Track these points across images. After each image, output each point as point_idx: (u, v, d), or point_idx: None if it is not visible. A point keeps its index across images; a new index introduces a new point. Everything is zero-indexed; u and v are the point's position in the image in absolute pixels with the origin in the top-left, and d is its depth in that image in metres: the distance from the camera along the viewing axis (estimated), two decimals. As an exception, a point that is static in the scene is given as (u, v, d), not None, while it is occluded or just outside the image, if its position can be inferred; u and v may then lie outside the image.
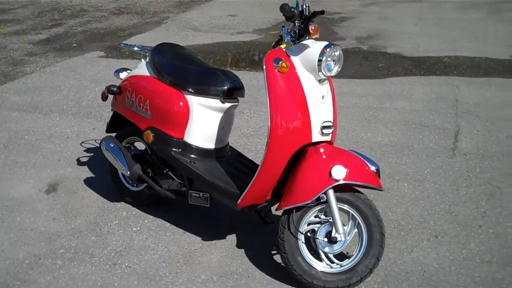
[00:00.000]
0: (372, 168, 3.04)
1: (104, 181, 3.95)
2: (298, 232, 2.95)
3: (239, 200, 3.05)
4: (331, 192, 2.88)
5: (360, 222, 2.95)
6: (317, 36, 2.90)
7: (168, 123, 3.30)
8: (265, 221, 3.48)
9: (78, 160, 4.39)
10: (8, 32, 8.47)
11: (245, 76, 6.21)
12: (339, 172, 2.84)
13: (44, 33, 8.53)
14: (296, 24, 2.91)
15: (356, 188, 3.00)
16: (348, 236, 2.99)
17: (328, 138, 2.98)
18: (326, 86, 2.99)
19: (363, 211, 2.95)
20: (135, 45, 3.82)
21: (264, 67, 2.90)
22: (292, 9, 2.88)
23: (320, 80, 2.95)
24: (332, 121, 2.98)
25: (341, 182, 2.86)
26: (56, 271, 3.15)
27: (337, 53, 2.92)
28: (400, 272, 3.13)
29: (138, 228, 3.54)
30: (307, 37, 2.95)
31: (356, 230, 3.00)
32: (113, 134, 3.74)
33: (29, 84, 6.16)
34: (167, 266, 3.19)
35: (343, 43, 7.87)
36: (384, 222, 3.38)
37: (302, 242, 2.99)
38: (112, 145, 3.59)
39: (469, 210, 3.76)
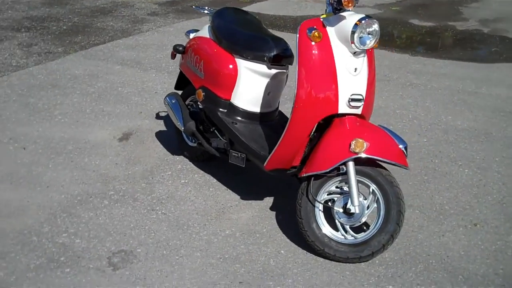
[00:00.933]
0: (400, 146, 3.00)
1: (172, 135, 4.19)
2: (315, 200, 3.00)
3: (265, 163, 3.17)
4: (351, 164, 2.91)
5: (379, 197, 2.96)
6: (352, 7, 2.88)
7: (217, 84, 3.46)
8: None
9: (157, 114, 4.68)
10: (141, -9, 9.00)
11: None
12: (358, 145, 2.86)
13: (173, -6, 8.96)
14: None
15: (380, 163, 2.97)
16: (367, 210, 2.98)
17: (357, 111, 2.99)
18: (362, 59, 2.99)
19: (383, 187, 2.94)
20: (206, 8, 3.99)
21: (298, 35, 2.95)
22: None
23: (355, 53, 2.95)
24: (363, 94, 2.98)
25: (360, 155, 2.87)
26: (100, 209, 3.44)
27: (372, 27, 2.90)
28: (421, 253, 3.10)
29: (186, 181, 3.76)
30: (347, 9, 2.94)
31: (375, 205, 2.99)
32: (180, 92, 3.95)
33: (140, 41, 6.58)
34: (199, 217, 3.37)
35: (465, 24, 7.55)
36: (428, 204, 3.42)
37: (320, 210, 3.04)
38: (174, 101, 3.83)
39: (524, 203, 3.51)
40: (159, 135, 4.31)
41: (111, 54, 6.08)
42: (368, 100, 3.03)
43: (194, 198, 3.57)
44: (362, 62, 2.98)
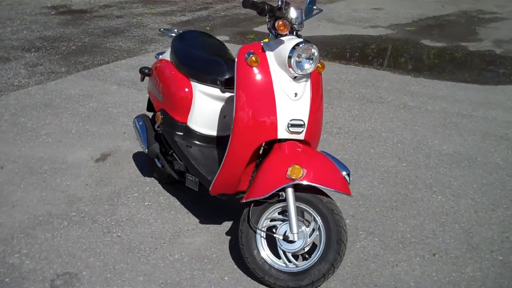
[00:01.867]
0: (343, 173, 2.94)
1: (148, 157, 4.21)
2: (256, 227, 2.99)
3: (210, 187, 3.15)
4: (289, 191, 2.87)
5: (320, 225, 2.90)
6: (286, 32, 2.86)
7: (174, 107, 3.48)
8: None
9: (140, 135, 4.70)
10: (157, 12, 9.16)
11: (345, 70, 6.19)
12: (295, 171, 2.82)
13: (188, 15, 9.08)
14: (267, 19, 2.90)
15: (323, 191, 2.93)
16: (310, 237, 2.93)
17: (299, 137, 2.95)
18: (304, 83, 2.95)
19: (324, 215, 2.89)
20: (174, 30, 4.02)
21: (236, 59, 2.94)
22: (259, 4, 2.85)
23: (295, 77, 2.91)
24: (304, 120, 2.93)
25: (297, 182, 2.82)
26: (58, 230, 3.48)
27: (310, 52, 2.86)
28: (368, 284, 3.02)
29: (149, 203, 3.77)
30: (288, 33, 2.92)
31: (318, 233, 2.93)
32: (151, 114, 3.98)
33: (143, 61, 6.67)
34: (152, 241, 3.37)
35: (478, 44, 7.41)
36: (389, 232, 3.41)
37: (262, 237, 3.00)
38: (141, 123, 3.86)
39: (492, 233, 3.50)
40: (136, 156, 4.34)
41: (111, 74, 6.17)
42: (312, 125, 2.98)
43: (153, 221, 3.57)
44: (303, 87, 2.93)
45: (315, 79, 3.00)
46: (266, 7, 2.84)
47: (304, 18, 3.05)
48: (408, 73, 6.40)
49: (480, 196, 3.85)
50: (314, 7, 3.21)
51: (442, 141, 4.66)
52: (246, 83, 2.90)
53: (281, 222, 2.99)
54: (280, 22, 2.82)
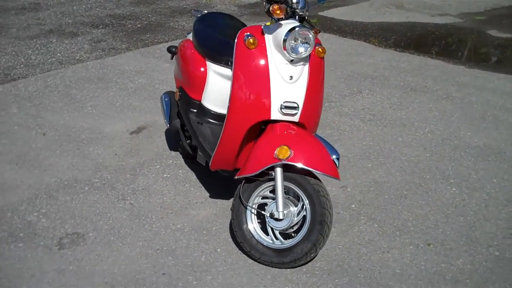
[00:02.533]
0: (333, 156, 3.03)
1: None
2: (246, 203, 3.11)
3: (210, 163, 3.32)
4: (278, 170, 2.98)
5: (306, 206, 3.00)
6: (282, 16, 2.96)
7: (190, 85, 3.66)
8: None
9: (178, 111, 4.94)
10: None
11: (398, 58, 6.17)
12: (282, 152, 2.93)
13: (258, -3, 9.19)
14: (264, 3, 3.01)
15: (312, 173, 3.01)
16: (296, 217, 3.04)
17: (293, 119, 3.06)
18: (301, 67, 3.04)
19: (310, 195, 2.99)
20: (204, 11, 4.19)
21: (236, 41, 3.08)
22: None
23: (292, 61, 3.01)
24: (298, 102, 3.03)
25: (283, 162, 2.94)
26: (77, 194, 3.76)
27: (306, 36, 2.96)
28: (354, 267, 3.11)
29: (168, 176, 3.99)
30: (290, 17, 3.03)
31: (305, 213, 3.05)
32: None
33: None
34: (161, 211, 3.59)
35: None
36: (390, 219, 3.47)
37: (252, 213, 3.14)
38: (166, 99, 4.08)
39: (496, 228, 3.48)
40: (169, 131, 4.55)
41: (167, 52, 6.39)
42: (308, 108, 3.07)
43: (167, 192, 3.77)
44: (300, 71, 3.02)
45: (315, 63, 3.07)
46: None
47: (316, 2, 3.22)
48: (462, 63, 6.27)
49: (496, 191, 3.81)
50: None
51: (475, 133, 4.60)
52: (243, 64, 3.03)
53: (271, 200, 3.09)
54: (275, 6, 2.91)
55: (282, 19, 2.99)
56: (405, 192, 3.80)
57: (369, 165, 4.11)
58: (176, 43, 6.35)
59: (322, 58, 3.15)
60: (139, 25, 7.46)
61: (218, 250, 3.24)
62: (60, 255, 3.15)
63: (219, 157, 3.22)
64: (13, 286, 2.97)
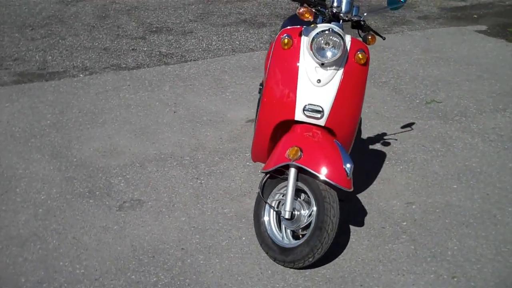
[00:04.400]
0: (346, 165, 3.07)
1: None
2: (262, 197, 3.24)
3: (251, 154, 3.56)
4: (292, 170, 3.11)
5: (313, 209, 3.10)
6: (310, 18, 3.05)
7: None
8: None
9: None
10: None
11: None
12: (293, 153, 3.07)
13: (468, 0, 8.83)
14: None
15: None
16: (307, 219, 3.15)
17: (318, 122, 3.13)
18: (332, 72, 3.09)
19: (318, 200, 3.07)
20: None
21: (275, 39, 3.28)
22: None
23: (323, 64, 3.12)
24: (323, 106, 3.10)
25: (292, 162, 3.08)
26: (163, 167, 4.25)
27: (331, 39, 3.04)
28: (356, 282, 3.10)
29: (248, 164, 4.28)
30: (333, 21, 3.13)
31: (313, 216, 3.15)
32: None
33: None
34: (220, 194, 3.90)
35: None
36: (433, 245, 3.39)
37: (271, 207, 3.30)
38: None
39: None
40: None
41: None
42: (336, 114, 3.11)
43: (237, 179, 4.07)
44: (330, 75, 3.07)
45: (351, 69, 3.09)
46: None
47: (387, 6, 3.30)
48: None
49: None
50: None
51: None
52: (276, 63, 3.18)
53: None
54: (302, 9, 3.01)
55: (317, 21, 3.04)
56: (471, 220, 3.56)
57: (455, 186, 3.90)
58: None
59: (363, 64, 3.10)
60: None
61: (243, 238, 3.42)
62: (114, 216, 3.61)
63: (255, 150, 3.39)
64: (63, 232, 3.52)
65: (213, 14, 8.00)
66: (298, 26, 3.18)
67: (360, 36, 3.25)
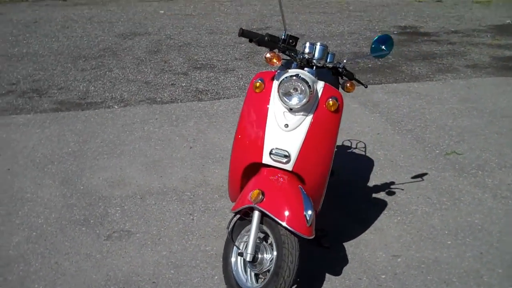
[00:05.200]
0: (309, 212, 3.08)
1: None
2: (230, 238, 3.26)
3: (228, 194, 3.62)
4: (256, 213, 3.13)
5: (274, 253, 3.11)
6: (278, 64, 3.12)
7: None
8: (320, 243, 3.60)
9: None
10: (498, 44, 8.91)
11: None
12: (254, 195, 3.11)
13: None
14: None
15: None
16: (270, 262, 3.14)
17: (285, 167, 3.14)
18: (300, 117, 3.11)
19: (279, 245, 3.10)
20: None
21: (250, 83, 3.36)
22: (256, 34, 3.16)
23: (291, 109, 3.18)
24: (289, 151, 3.12)
25: (253, 205, 3.12)
26: (161, 201, 4.35)
27: (296, 85, 3.09)
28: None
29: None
30: (307, 67, 3.19)
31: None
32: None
33: (413, 89, 6.89)
34: (209, 231, 3.99)
35: None
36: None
37: (238, 248, 3.35)
38: None
39: None
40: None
41: (367, 93, 6.60)
42: (304, 160, 3.11)
43: (229, 218, 4.09)
44: (299, 120, 3.10)
45: (321, 115, 3.11)
46: (266, 38, 3.11)
47: (370, 54, 3.32)
48: None
49: None
50: (383, 47, 3.29)
51: None
52: (248, 105, 3.24)
53: (259, 240, 3.21)
54: (268, 55, 3.07)
55: (292, 67, 3.12)
56: (454, 279, 3.46)
57: (449, 242, 3.80)
58: (385, 86, 6.48)
59: (335, 112, 3.11)
60: (373, 64, 7.63)
61: (216, 277, 3.49)
62: (100, 245, 3.73)
63: (230, 188, 3.43)
64: (48, 256, 3.66)
65: (259, 53, 8.14)
66: (272, 71, 3.21)
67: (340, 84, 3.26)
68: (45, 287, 3.34)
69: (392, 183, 4.51)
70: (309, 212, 2.96)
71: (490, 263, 3.55)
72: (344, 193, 4.35)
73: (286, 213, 2.95)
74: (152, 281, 3.38)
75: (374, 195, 4.36)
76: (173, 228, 3.91)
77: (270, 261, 3.06)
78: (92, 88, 6.77)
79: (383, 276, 3.42)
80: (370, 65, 7.68)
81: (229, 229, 3.22)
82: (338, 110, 3.11)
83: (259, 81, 3.15)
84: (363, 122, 5.66)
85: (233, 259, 3.21)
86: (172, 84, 6.89)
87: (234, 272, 3.18)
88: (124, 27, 9.79)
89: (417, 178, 4.53)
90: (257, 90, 3.15)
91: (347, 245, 3.73)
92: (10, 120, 5.78)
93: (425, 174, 4.63)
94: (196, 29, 9.66)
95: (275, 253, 2.99)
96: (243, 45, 8.56)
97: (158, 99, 6.37)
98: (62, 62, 7.78)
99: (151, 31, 9.67)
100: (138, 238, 3.79)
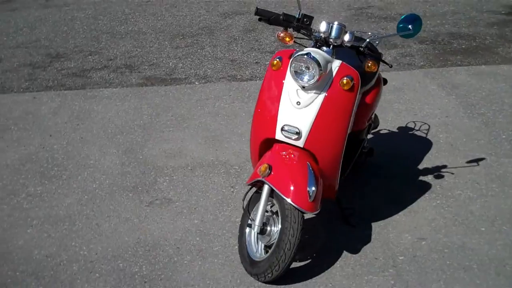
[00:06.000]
0: (310, 188, 3.19)
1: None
2: (243, 208, 3.42)
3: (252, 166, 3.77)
4: (265, 187, 3.29)
5: (279, 226, 3.23)
6: (290, 43, 3.25)
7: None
8: (347, 221, 3.78)
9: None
10: None
11: None
12: (262, 169, 3.26)
13: None
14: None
15: None
16: (276, 235, 3.30)
17: (296, 143, 3.23)
18: (312, 95, 3.20)
19: (283, 218, 3.23)
20: None
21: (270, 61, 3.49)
22: (272, 13, 3.29)
23: (304, 87, 3.30)
24: (300, 128, 3.21)
25: (261, 179, 3.28)
26: (209, 173, 4.58)
27: (306, 65, 3.19)
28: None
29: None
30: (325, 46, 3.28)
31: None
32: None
33: (482, 70, 6.62)
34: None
35: None
36: (408, 278, 3.32)
37: (249, 221, 3.49)
38: None
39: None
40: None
41: (449, 76, 6.44)
42: (316, 137, 3.18)
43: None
44: (311, 98, 3.18)
45: (334, 93, 3.17)
46: (281, 17, 3.22)
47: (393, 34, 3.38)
48: None
49: None
50: (409, 26, 3.31)
51: None
52: (266, 82, 3.37)
53: (268, 213, 3.37)
54: (281, 34, 3.19)
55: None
56: (474, 265, 3.42)
57: (483, 228, 3.75)
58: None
59: (349, 90, 3.16)
60: (463, 46, 7.39)
61: (236, 247, 3.61)
62: (140, 210, 4.03)
63: (252, 160, 3.57)
64: (91, 218, 4.03)
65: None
66: (291, 49, 3.29)
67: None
68: (81, 245, 3.64)
69: (444, 166, 4.41)
70: (313, 188, 3.03)
71: (519, 253, 3.40)
72: (389, 175, 4.36)
73: (290, 188, 3.05)
74: (177, 246, 3.59)
75: (421, 177, 4.30)
76: (212, 199, 4.08)
77: (277, 233, 3.13)
78: (181, 65, 7.06)
79: (401, 258, 3.41)
80: (463, 46, 7.40)
81: (244, 201, 3.34)
82: (353, 89, 3.13)
83: (277, 59, 3.24)
84: (435, 104, 5.52)
85: (247, 230, 3.33)
86: (256, 62, 7.04)
87: (247, 243, 3.32)
88: (229, 6, 10.03)
89: (472, 163, 4.40)
90: (274, 68, 3.24)
91: (375, 225, 3.73)
92: (97, 93, 6.21)
93: (483, 159, 4.48)
94: (297, 8, 9.71)
95: (279, 226, 3.08)
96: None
97: (239, 77, 6.55)
98: (160, 40, 8.15)
99: (252, 10, 9.84)
100: (176, 206, 4.01)
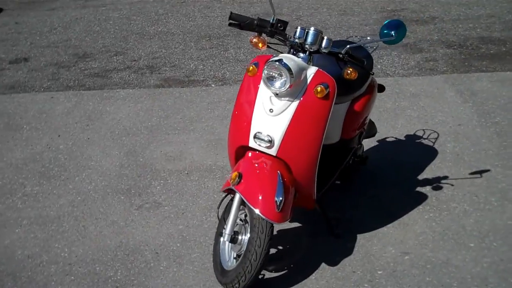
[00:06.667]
0: (278, 198, 3.15)
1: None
2: (218, 216, 3.41)
3: None
4: (236, 195, 3.27)
5: (248, 235, 3.19)
6: (262, 48, 3.20)
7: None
8: (332, 231, 3.73)
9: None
10: None
11: None
12: (232, 177, 3.24)
13: None
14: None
15: None
16: (245, 244, 3.28)
17: (268, 151, 3.17)
18: (285, 102, 3.13)
19: (251, 227, 3.20)
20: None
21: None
22: (245, 18, 3.21)
23: (277, 94, 3.25)
24: (272, 136, 3.16)
25: (231, 187, 3.26)
26: (208, 178, 4.59)
27: (276, 71, 3.13)
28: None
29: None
30: (301, 52, 3.22)
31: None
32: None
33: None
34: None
35: None
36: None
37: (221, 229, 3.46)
38: None
39: None
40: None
41: (470, 83, 6.26)
42: (288, 145, 3.12)
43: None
44: (283, 105, 3.11)
45: (308, 101, 3.10)
46: (256, 22, 3.18)
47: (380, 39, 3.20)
48: None
49: None
50: (392, 32, 3.23)
51: None
52: (242, 88, 3.34)
53: (240, 222, 3.34)
54: (254, 39, 3.15)
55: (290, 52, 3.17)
56: (455, 283, 3.30)
57: (472, 244, 3.61)
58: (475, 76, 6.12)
59: (324, 98, 3.09)
60: (491, 51, 7.17)
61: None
62: (128, 213, 4.06)
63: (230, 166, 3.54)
64: (79, 220, 4.08)
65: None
66: (268, 55, 3.23)
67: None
68: (64, 247, 3.67)
69: (445, 177, 4.27)
70: (280, 198, 2.96)
71: (506, 271, 3.27)
72: (386, 184, 4.27)
73: (258, 198, 3.00)
74: (156, 251, 3.58)
75: (418, 188, 4.18)
76: (201, 204, 4.07)
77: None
78: (201, 66, 7.07)
79: (380, 272, 3.32)
80: (492, 51, 7.16)
81: (220, 209, 3.30)
82: (328, 97, 3.05)
83: (253, 65, 3.18)
84: (449, 111, 5.35)
85: (222, 238, 3.29)
86: (276, 65, 6.95)
87: (220, 251, 3.29)
88: (261, 7, 10.01)
89: (475, 175, 4.24)
90: (250, 74, 3.19)
91: (361, 236, 3.64)
92: (113, 93, 6.28)
93: (487, 171, 4.31)
94: (329, 10, 9.60)
95: (249, 235, 3.03)
96: (367, 27, 8.38)
97: (256, 80, 6.48)
98: (186, 41, 8.19)
99: (285, 12, 9.79)
100: (165, 210, 4.01)
